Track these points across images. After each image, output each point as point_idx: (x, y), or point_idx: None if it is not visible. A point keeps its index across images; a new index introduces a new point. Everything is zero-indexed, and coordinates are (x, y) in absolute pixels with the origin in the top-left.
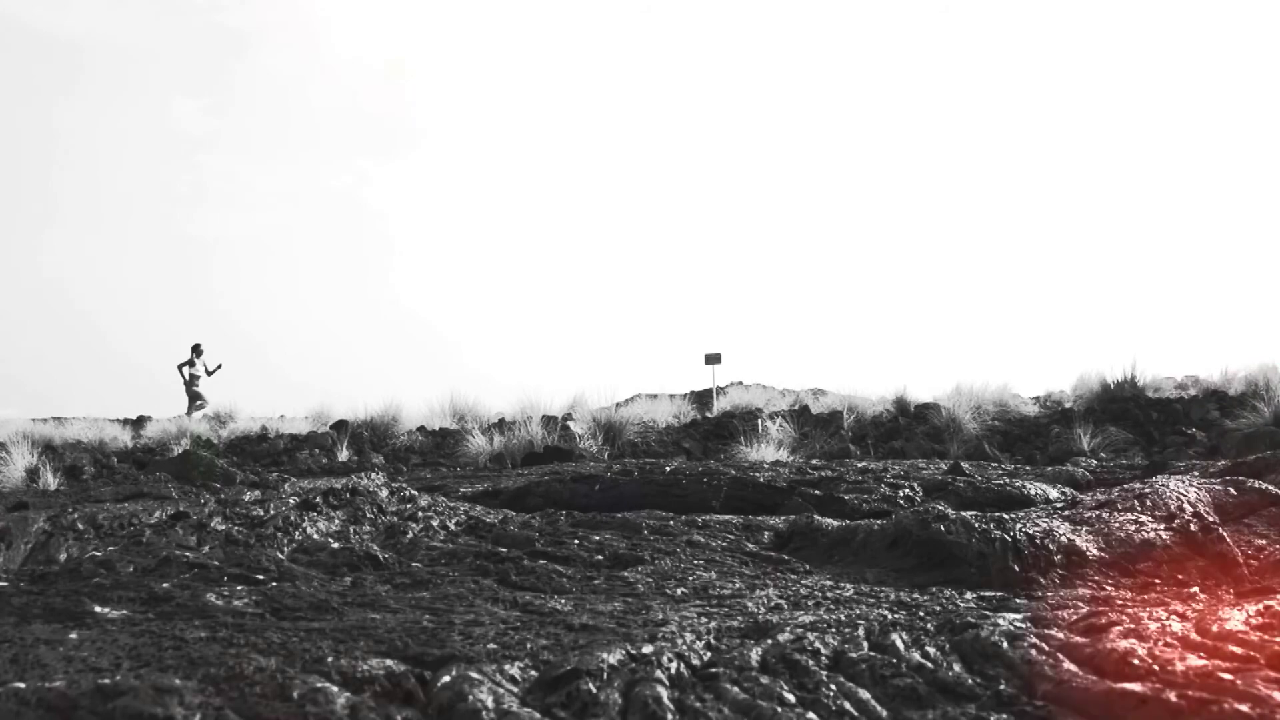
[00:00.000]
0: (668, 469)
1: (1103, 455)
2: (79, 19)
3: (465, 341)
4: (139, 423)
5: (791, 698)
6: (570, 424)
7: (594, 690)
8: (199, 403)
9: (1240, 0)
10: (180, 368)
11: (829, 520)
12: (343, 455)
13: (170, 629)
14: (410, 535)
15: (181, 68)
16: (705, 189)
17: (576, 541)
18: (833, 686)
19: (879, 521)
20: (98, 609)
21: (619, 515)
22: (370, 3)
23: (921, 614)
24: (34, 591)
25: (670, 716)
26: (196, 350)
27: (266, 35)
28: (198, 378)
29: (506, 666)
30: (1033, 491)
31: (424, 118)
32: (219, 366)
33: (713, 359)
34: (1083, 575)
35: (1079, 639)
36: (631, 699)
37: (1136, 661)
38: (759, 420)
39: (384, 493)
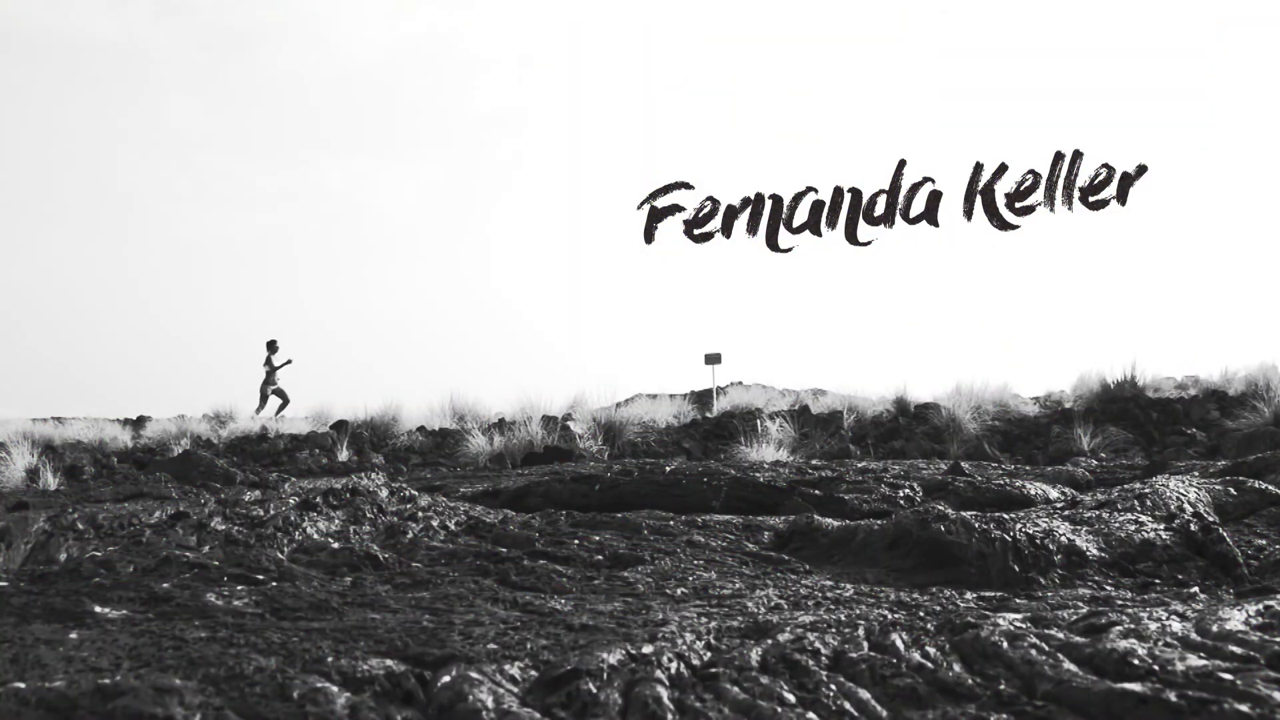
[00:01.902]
0: (668, 469)
1: (1103, 455)
2: (79, 19)
3: (465, 341)
4: (139, 423)
5: (791, 698)
6: (570, 424)
7: (594, 690)
8: (267, 403)
9: (1239, 3)
10: (274, 366)
11: (829, 520)
12: (343, 455)
13: (170, 629)
14: (410, 535)
15: (181, 68)
16: (704, 187)
17: (576, 541)
18: (833, 686)
19: (879, 521)
20: (98, 609)
21: (619, 515)
22: (370, 2)
23: (921, 614)
24: (34, 591)
25: (670, 716)
26: (272, 346)
27: (266, 35)
28: (275, 373)
29: (506, 666)
30: (1033, 491)
31: (424, 117)
32: (288, 361)
33: (713, 359)
34: (1083, 575)
35: (1079, 639)
36: (631, 699)
37: (1136, 661)
38: (759, 420)
39: (384, 493)
